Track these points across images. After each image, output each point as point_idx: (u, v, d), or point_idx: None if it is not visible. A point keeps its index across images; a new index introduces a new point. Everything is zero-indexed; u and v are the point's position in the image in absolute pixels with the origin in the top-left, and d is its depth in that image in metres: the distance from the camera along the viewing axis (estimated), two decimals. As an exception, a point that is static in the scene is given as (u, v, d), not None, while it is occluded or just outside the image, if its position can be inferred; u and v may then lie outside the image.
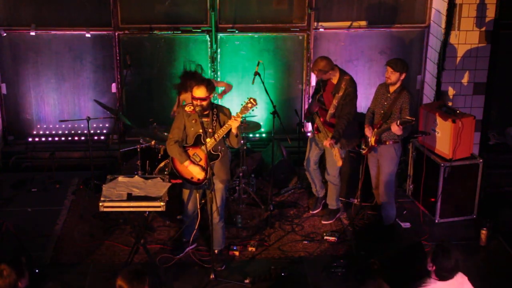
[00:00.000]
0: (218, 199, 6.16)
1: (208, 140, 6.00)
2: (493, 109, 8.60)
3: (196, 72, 7.15)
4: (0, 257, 5.33)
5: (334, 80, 6.74)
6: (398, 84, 6.59)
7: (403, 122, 6.41)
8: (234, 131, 5.97)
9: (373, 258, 6.13)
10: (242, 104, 5.95)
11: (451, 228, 7.17)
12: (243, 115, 6.00)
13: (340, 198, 7.37)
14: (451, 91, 8.14)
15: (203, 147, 6.05)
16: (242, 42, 8.51)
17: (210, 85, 5.97)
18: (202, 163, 6.14)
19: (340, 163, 6.65)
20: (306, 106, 7.33)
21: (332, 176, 7.07)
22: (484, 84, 8.13)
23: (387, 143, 6.68)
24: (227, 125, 5.97)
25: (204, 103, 5.92)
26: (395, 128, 6.47)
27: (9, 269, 4.47)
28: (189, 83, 6.44)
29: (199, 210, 6.24)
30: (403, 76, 6.56)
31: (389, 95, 6.65)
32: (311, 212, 7.37)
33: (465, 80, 8.11)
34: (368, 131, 6.73)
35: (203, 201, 6.57)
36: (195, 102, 5.92)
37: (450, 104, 7.95)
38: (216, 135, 6.01)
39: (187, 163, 6.11)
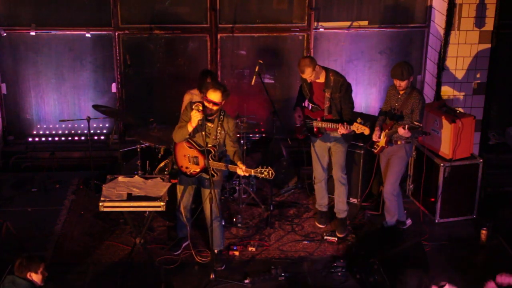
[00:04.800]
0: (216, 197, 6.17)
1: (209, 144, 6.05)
2: (493, 109, 8.62)
3: (213, 73, 7.15)
4: (0, 257, 5.35)
5: (322, 79, 6.71)
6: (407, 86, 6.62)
7: (411, 128, 6.41)
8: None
9: (373, 258, 6.14)
10: (259, 169, 5.93)
11: (451, 228, 7.17)
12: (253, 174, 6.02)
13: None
14: (451, 91, 8.14)
15: (207, 162, 6.01)
16: (242, 42, 8.51)
17: (225, 92, 5.97)
18: (196, 167, 6.19)
19: (367, 131, 6.44)
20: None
21: (340, 173, 6.96)
22: (484, 84, 8.14)
23: (399, 142, 6.67)
24: (234, 168, 6.03)
25: (216, 108, 5.94)
26: (402, 132, 6.46)
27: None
28: (207, 83, 6.38)
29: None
30: (411, 79, 6.58)
31: (399, 96, 6.65)
32: (319, 225, 7.18)
33: (465, 80, 8.11)
34: (377, 133, 6.71)
35: (193, 206, 6.59)
36: (207, 105, 5.92)
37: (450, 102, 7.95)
38: (220, 167, 6.07)
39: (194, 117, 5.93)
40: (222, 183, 6.55)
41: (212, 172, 6.04)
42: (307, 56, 6.79)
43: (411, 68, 6.55)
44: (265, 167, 5.95)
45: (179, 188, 6.41)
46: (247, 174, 6.09)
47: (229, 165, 6.08)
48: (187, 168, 6.24)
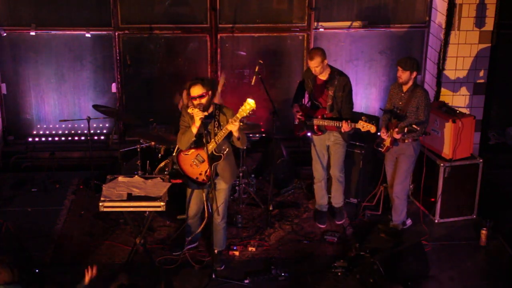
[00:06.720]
0: (220, 199, 6.14)
1: (209, 144, 5.93)
2: (493, 109, 8.61)
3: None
4: (0, 257, 5.34)
5: (325, 76, 6.72)
6: (410, 83, 6.58)
7: (410, 131, 6.42)
8: (235, 134, 5.88)
9: (373, 258, 6.14)
10: (240, 111, 5.84)
11: (451, 228, 7.17)
12: (241, 118, 5.82)
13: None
14: (451, 91, 8.14)
15: (205, 149, 6.02)
16: (242, 42, 8.51)
17: (205, 81, 5.90)
18: (205, 164, 6.06)
19: (374, 128, 6.45)
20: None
21: (339, 173, 6.99)
22: (484, 84, 8.14)
23: (406, 141, 6.68)
24: (225, 129, 5.88)
25: (204, 100, 5.86)
26: (395, 135, 6.52)
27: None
28: (184, 85, 6.40)
29: (208, 209, 6.20)
30: (414, 74, 6.55)
31: (403, 94, 6.65)
32: (319, 225, 7.17)
33: (465, 80, 8.11)
34: (383, 133, 6.72)
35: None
36: (194, 102, 5.89)
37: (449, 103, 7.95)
38: (216, 138, 5.93)
39: (194, 129, 5.90)
40: (235, 176, 6.44)
41: (215, 153, 5.96)
42: (319, 47, 6.76)
43: (415, 63, 6.53)
44: (245, 103, 5.74)
45: (189, 192, 6.32)
46: (236, 123, 5.79)
47: (219, 133, 5.92)
48: (200, 174, 6.08)
